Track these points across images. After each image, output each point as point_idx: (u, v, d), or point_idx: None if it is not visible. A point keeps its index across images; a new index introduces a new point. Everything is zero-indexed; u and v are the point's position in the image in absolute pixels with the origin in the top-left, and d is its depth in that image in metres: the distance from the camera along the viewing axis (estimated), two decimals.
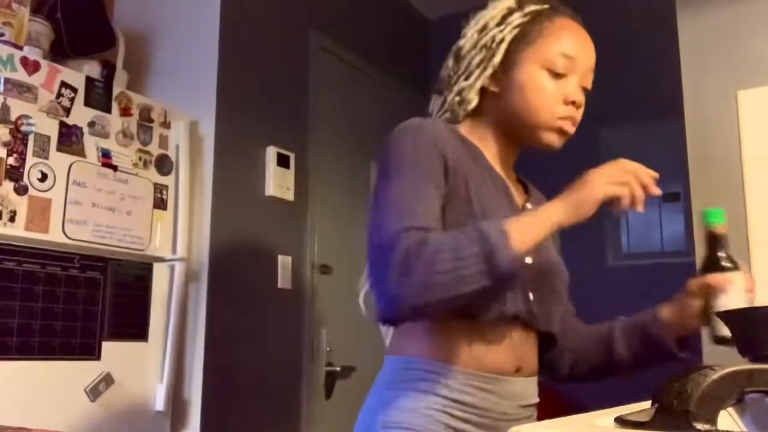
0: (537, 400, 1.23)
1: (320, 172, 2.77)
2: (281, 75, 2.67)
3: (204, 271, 2.26)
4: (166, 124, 2.22)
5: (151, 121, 2.17)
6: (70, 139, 1.94)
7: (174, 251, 2.18)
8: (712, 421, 0.76)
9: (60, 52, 2.20)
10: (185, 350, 2.22)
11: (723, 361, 0.85)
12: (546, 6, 1.25)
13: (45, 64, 1.91)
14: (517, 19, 1.23)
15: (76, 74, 2.00)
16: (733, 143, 1.93)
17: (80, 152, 1.96)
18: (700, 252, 1.94)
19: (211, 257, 2.27)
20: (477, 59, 1.23)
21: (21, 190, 1.80)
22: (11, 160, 1.79)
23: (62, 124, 1.92)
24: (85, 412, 1.90)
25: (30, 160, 1.83)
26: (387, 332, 1.33)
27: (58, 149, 1.90)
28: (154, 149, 2.17)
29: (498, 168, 1.25)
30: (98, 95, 2.03)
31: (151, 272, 2.14)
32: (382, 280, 1.07)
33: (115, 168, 2.04)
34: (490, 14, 1.26)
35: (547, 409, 1.21)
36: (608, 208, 1.09)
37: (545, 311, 1.21)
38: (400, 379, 1.16)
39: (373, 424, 1.14)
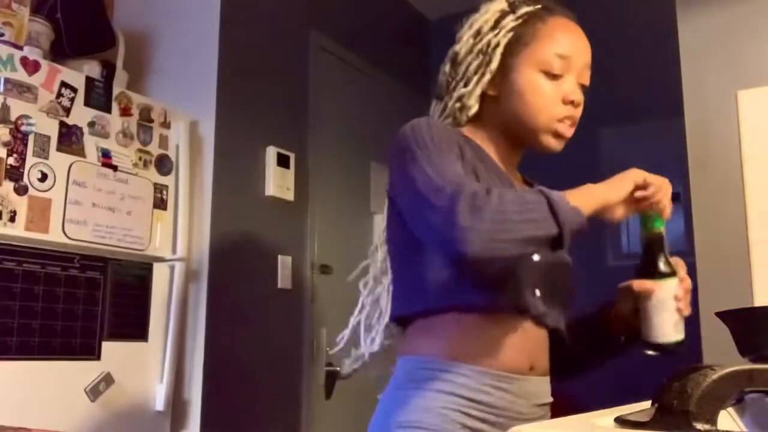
0: (551, 399, 1.23)
1: (320, 172, 2.77)
2: (281, 75, 2.67)
3: (204, 271, 2.26)
4: (166, 124, 2.22)
5: (151, 121, 2.17)
6: (70, 139, 1.94)
7: (174, 251, 2.18)
8: (712, 421, 0.76)
9: (60, 52, 2.20)
10: (185, 350, 2.22)
11: (723, 361, 0.85)
12: (538, 6, 1.25)
13: (45, 64, 1.91)
14: (510, 22, 1.23)
15: (76, 74, 2.00)
16: (733, 143, 1.93)
17: (80, 152, 1.96)
18: (703, 251, 1.95)
19: (211, 257, 2.27)
20: (474, 65, 1.23)
21: (21, 190, 1.80)
22: (11, 160, 1.79)
23: (62, 124, 1.92)
24: (85, 412, 1.90)
25: (30, 160, 1.83)
26: (387, 333, 1.33)
27: (58, 149, 1.90)
28: (154, 149, 2.17)
29: (503, 169, 1.25)
30: (98, 95, 2.03)
31: (151, 272, 2.14)
32: (448, 223, 1.01)
33: (115, 168, 2.04)
34: (483, 18, 1.26)
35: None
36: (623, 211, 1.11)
37: (554, 308, 1.21)
38: (415, 379, 1.15)
39: (388, 424, 1.14)
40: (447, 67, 1.29)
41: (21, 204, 1.80)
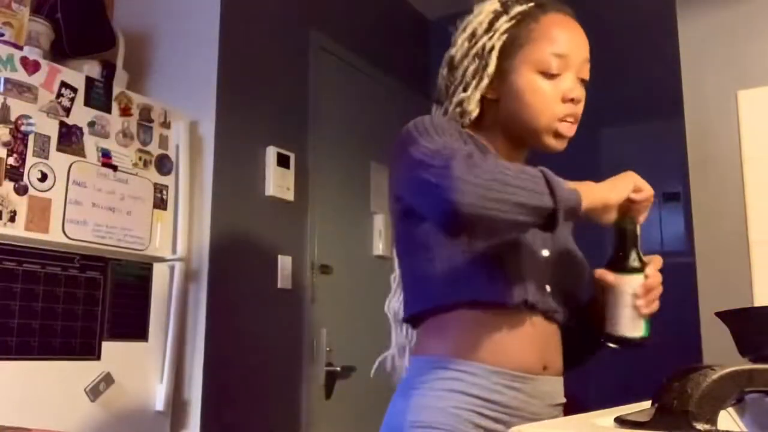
0: (564, 400, 1.22)
1: (320, 172, 2.77)
2: (281, 75, 2.67)
3: (204, 271, 2.26)
4: (166, 124, 2.22)
5: (151, 121, 2.17)
6: (70, 139, 1.94)
7: (174, 251, 2.18)
8: (712, 421, 0.76)
9: (60, 52, 2.19)
10: (185, 350, 2.22)
11: (723, 361, 0.85)
12: (531, 4, 1.24)
13: (45, 64, 1.91)
14: (503, 24, 1.22)
15: (76, 74, 2.00)
16: (733, 143, 1.93)
17: (80, 152, 1.96)
18: (703, 251, 1.95)
19: (211, 257, 2.27)
20: (471, 69, 1.23)
21: (21, 190, 1.80)
22: (11, 160, 1.79)
23: (62, 124, 1.92)
24: (85, 412, 1.90)
25: (30, 160, 1.83)
26: (403, 333, 1.32)
27: (58, 149, 1.90)
28: (154, 149, 2.17)
29: None
30: (98, 95, 2.03)
31: (151, 272, 2.14)
32: (443, 176, 0.99)
33: (115, 168, 2.04)
34: (477, 20, 1.25)
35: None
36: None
37: (564, 304, 1.20)
38: (427, 379, 1.14)
39: (402, 424, 1.13)
40: (444, 71, 1.28)
41: (21, 204, 1.80)
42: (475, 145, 1.20)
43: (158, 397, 2.10)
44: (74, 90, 1.96)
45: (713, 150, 1.95)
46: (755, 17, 1.95)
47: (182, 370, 2.20)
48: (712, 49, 1.99)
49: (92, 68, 2.21)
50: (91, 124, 2.00)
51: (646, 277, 1.11)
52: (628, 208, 1.10)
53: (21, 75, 1.84)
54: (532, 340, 1.16)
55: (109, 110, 2.05)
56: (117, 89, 2.10)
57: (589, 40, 1.25)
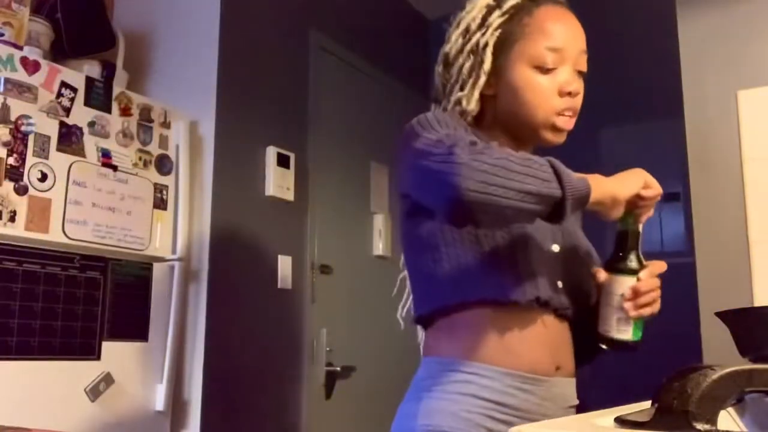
0: (576, 402, 1.20)
1: (320, 172, 2.77)
2: (281, 75, 2.67)
3: (204, 271, 2.26)
4: (166, 124, 2.22)
5: (151, 121, 2.17)
6: (70, 139, 1.94)
7: (174, 251, 2.18)
8: (712, 421, 0.76)
9: (60, 52, 2.19)
10: (185, 350, 2.22)
11: (723, 361, 0.85)
12: None
13: (45, 64, 1.91)
14: (496, 19, 1.20)
15: (76, 74, 2.00)
16: (733, 143, 1.93)
17: (80, 152, 1.96)
18: (703, 251, 1.95)
19: (211, 257, 2.27)
20: (467, 67, 1.21)
21: (21, 190, 1.80)
22: (11, 160, 1.79)
23: (62, 124, 1.92)
24: (85, 412, 1.90)
25: (30, 160, 1.83)
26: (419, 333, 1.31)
27: (58, 149, 1.90)
28: (154, 149, 2.17)
29: None
30: (98, 95, 2.03)
31: (151, 272, 2.14)
32: (446, 162, 0.97)
33: (115, 168, 2.04)
34: (470, 15, 1.23)
35: None
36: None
37: (574, 301, 1.18)
38: (439, 382, 1.12)
39: (413, 428, 1.11)
40: (440, 69, 1.26)
41: (21, 204, 1.80)
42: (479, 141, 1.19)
43: (158, 397, 2.10)
44: (74, 90, 1.96)
45: (713, 150, 1.95)
46: (755, 17, 1.95)
47: (182, 370, 2.20)
48: (712, 49, 1.99)
49: (92, 68, 2.21)
50: (91, 124, 2.00)
51: (638, 280, 1.09)
52: (634, 204, 1.08)
53: (21, 75, 1.84)
54: (544, 340, 1.14)
55: (109, 110, 2.05)
56: (117, 89, 2.10)
57: (589, 40, 1.23)
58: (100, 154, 2.01)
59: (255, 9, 2.56)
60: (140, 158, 2.12)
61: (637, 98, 3.16)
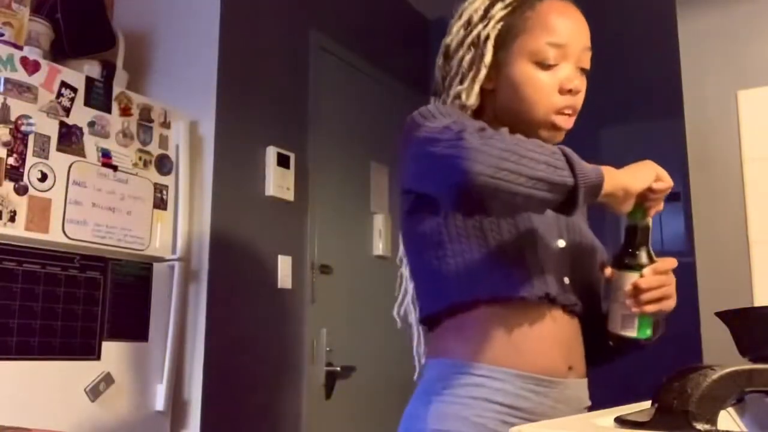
0: (589, 403, 1.18)
1: (320, 172, 2.77)
2: (281, 75, 2.66)
3: (204, 271, 2.26)
4: (166, 124, 2.22)
5: (151, 121, 2.17)
6: (70, 139, 1.94)
7: (174, 251, 2.18)
8: (712, 421, 0.76)
9: (60, 52, 2.19)
10: (185, 350, 2.22)
11: (723, 361, 0.85)
12: None
13: (45, 64, 1.91)
14: (499, 12, 1.17)
15: (76, 74, 2.00)
16: (733, 143, 1.93)
17: (80, 152, 1.96)
18: (703, 251, 1.95)
19: (211, 257, 2.27)
20: (467, 59, 1.18)
21: (21, 190, 1.80)
22: (11, 160, 1.79)
23: (62, 124, 1.92)
24: (85, 412, 1.90)
25: (30, 160, 1.83)
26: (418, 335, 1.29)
27: (58, 149, 1.90)
28: (154, 149, 2.17)
29: None
30: (98, 95, 2.03)
31: (151, 272, 2.14)
32: (454, 146, 0.94)
33: (115, 168, 2.04)
34: (473, 6, 1.20)
35: None
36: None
37: (582, 296, 1.16)
38: (449, 385, 1.09)
39: (423, 431, 1.08)
40: (440, 61, 1.23)
41: (21, 204, 1.80)
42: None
43: (158, 397, 2.10)
44: (74, 90, 1.96)
45: (713, 150, 1.95)
46: (755, 17, 1.95)
47: (182, 370, 2.20)
48: (712, 49, 1.99)
49: (92, 68, 2.21)
50: (91, 124, 2.00)
51: (642, 276, 1.07)
52: (645, 197, 1.06)
53: (21, 75, 1.84)
54: (555, 338, 1.11)
55: (109, 110, 2.05)
56: (117, 89, 2.10)
57: (589, 40, 1.23)
58: (100, 154, 2.01)
59: (255, 9, 2.56)
60: (140, 158, 2.12)
61: (637, 98, 3.16)
